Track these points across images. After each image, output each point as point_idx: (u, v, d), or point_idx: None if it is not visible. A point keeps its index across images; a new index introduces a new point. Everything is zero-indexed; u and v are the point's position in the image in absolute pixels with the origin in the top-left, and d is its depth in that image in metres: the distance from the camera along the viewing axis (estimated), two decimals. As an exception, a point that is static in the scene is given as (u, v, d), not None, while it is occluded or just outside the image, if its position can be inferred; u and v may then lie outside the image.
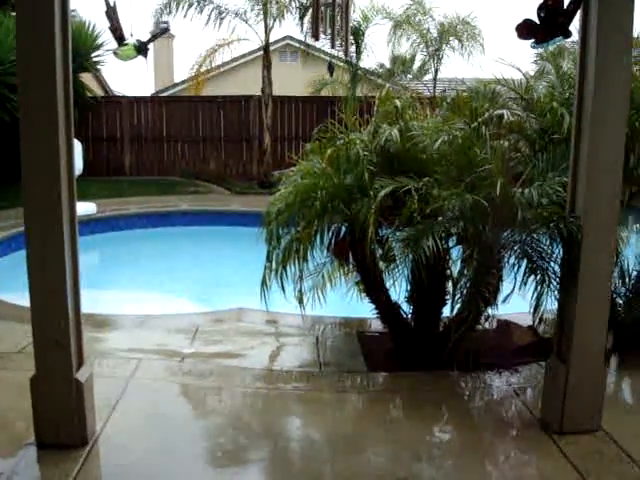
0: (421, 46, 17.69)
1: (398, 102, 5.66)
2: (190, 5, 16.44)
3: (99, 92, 21.50)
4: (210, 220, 13.29)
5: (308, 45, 17.55)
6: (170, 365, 5.34)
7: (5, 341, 5.68)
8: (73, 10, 16.65)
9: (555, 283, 4.26)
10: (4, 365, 5.15)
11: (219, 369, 5.31)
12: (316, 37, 5.79)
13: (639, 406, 4.94)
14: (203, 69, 18.02)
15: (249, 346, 5.99)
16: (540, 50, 6.41)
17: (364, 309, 5.77)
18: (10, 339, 5.63)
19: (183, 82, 20.23)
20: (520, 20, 4.09)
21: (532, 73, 6.79)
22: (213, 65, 18.27)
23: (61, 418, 3.80)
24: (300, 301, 5.26)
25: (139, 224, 12.90)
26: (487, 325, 5.20)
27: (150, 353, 5.60)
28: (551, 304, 4.36)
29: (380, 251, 5.09)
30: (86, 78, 18.16)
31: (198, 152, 18.56)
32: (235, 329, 6.48)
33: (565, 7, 3.96)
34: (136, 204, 14.10)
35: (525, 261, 4.34)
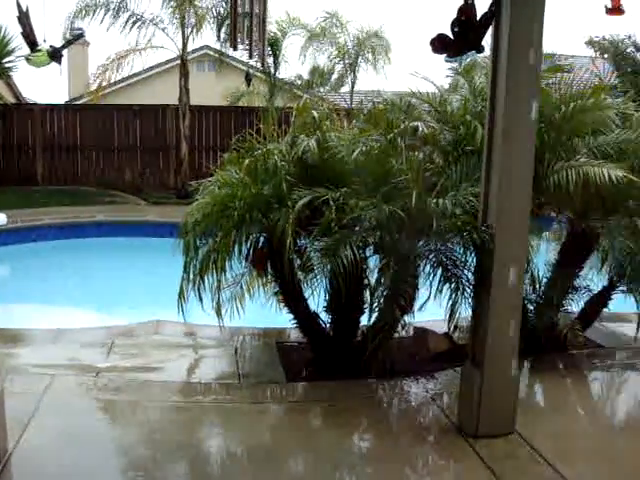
0: (338, 58, 17.89)
1: (316, 113, 5.70)
2: (106, 11, 16.12)
3: (10, 99, 20.81)
4: (126, 231, 13.04)
5: (226, 55, 17.49)
6: (85, 380, 5.20)
7: None
8: (-19, 14, 16.10)
9: (469, 291, 4.37)
10: None
11: (136, 383, 5.20)
12: (234, 47, 5.76)
13: (550, 408, 5.11)
14: (114, 77, 17.58)
15: (166, 359, 5.89)
16: (454, 64, 6.57)
17: (283, 319, 5.77)
18: None
19: (92, 90, 19.74)
20: (434, 35, 4.19)
21: (447, 87, 6.95)
22: (123, 73, 17.88)
23: (-32, 438, 3.66)
24: (218, 312, 5.21)
25: (52, 235, 12.54)
26: (404, 333, 5.28)
27: (64, 368, 5.44)
28: (465, 311, 4.47)
29: (298, 261, 5.11)
30: (-4, 85, 17.57)
31: (113, 161, 18.16)
32: (152, 342, 6.36)
33: (477, 22, 4.08)
34: (49, 215, 13.68)
35: (440, 269, 4.44)
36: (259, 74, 17.57)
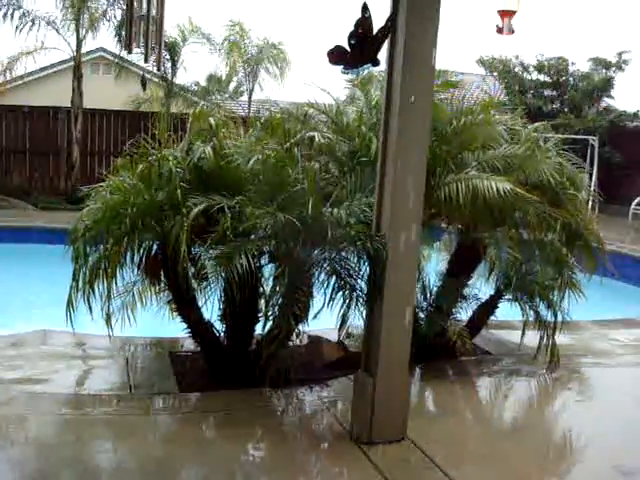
0: (237, 66, 17.86)
1: (212, 120, 5.66)
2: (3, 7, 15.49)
3: None
4: (13, 237, 12.52)
5: (122, 58, 17.13)
6: (-36, 393, 4.95)
7: None
8: None
9: (362, 299, 4.43)
10: None
11: (21, 395, 4.99)
12: (129, 50, 5.65)
13: (440, 414, 5.26)
14: (7, 77, 16.96)
15: (54, 370, 5.68)
16: (352, 76, 6.67)
17: (176, 329, 5.67)
18: None
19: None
20: (332, 46, 4.24)
21: (344, 98, 7.05)
22: (17, 74, 17.23)
23: None
24: (108, 322, 5.06)
25: None
26: (298, 341, 5.30)
27: (-59, 381, 5.16)
28: (358, 319, 4.53)
29: (193, 269, 5.05)
30: None
31: (1, 164, 17.42)
32: (38, 353, 6.12)
33: (374, 36, 4.15)
34: None
35: (334, 278, 4.48)
36: (156, 79, 17.29)
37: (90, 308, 5.02)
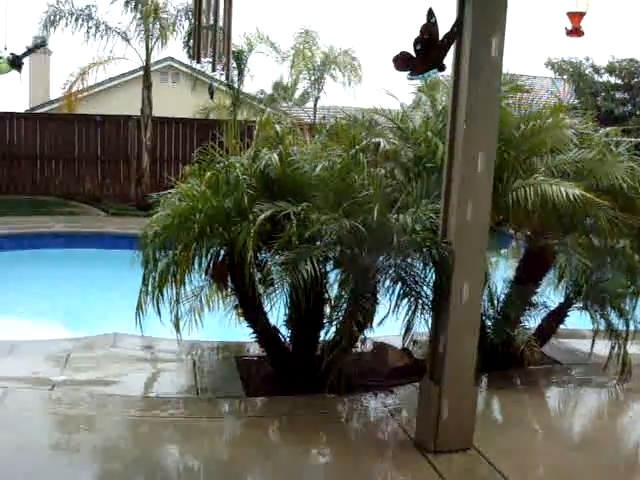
0: (304, 74, 17.97)
1: (278, 127, 5.72)
2: (74, 19, 15.98)
3: (-32, 106, 20.46)
4: (85, 242, 12.87)
5: (191, 68, 17.46)
6: (39, 393, 5.11)
7: None
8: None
9: (428, 306, 4.40)
10: None
11: (92, 397, 5.12)
12: (197, 59, 5.75)
13: (508, 424, 5.16)
14: (77, 87, 17.45)
15: (123, 372, 5.82)
16: (417, 82, 6.64)
17: (243, 333, 5.73)
18: None
19: (58, 100, 19.47)
20: (397, 52, 4.23)
21: (409, 104, 7.02)
22: (89, 83, 17.73)
23: None
24: (176, 326, 5.16)
25: (8, 245, 12.31)
26: (363, 348, 5.29)
27: (18, 381, 5.33)
28: (424, 327, 4.49)
29: (259, 275, 5.09)
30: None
31: (74, 171, 17.95)
32: (109, 355, 6.27)
33: (440, 41, 4.13)
34: (7, 224, 13.44)
35: (399, 285, 4.46)
36: (223, 87, 17.55)
37: (159, 312, 5.13)
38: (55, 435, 4.61)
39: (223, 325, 5.80)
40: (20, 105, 23.67)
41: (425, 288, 4.48)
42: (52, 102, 22.81)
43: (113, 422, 4.71)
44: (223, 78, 15.10)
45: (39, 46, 15.33)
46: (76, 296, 10.02)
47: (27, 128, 17.87)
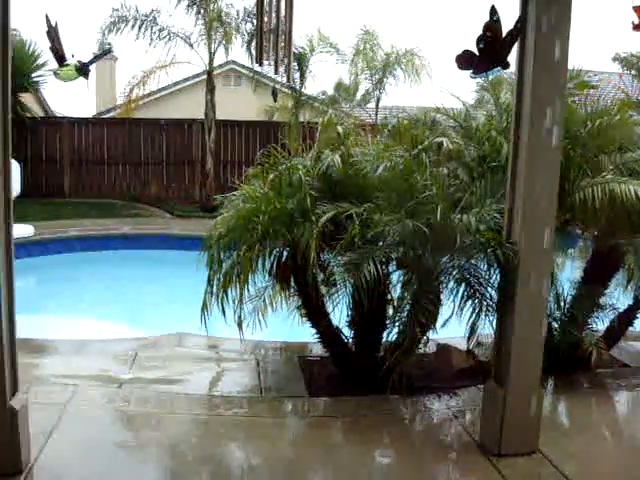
0: (365, 74, 17.94)
1: (340, 129, 5.73)
2: (138, 25, 16.34)
3: (39, 112, 21.10)
4: (151, 244, 13.13)
5: (253, 70, 17.63)
6: (108, 392, 5.23)
7: None
8: (14, 29, 16.37)
9: (492, 308, 4.34)
10: None
11: (158, 395, 5.23)
12: (260, 63, 5.81)
13: (574, 428, 5.05)
14: (141, 91, 17.78)
15: (189, 371, 5.92)
16: (480, 80, 6.57)
17: (305, 333, 5.76)
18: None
19: (121, 105, 19.89)
20: (460, 51, 4.20)
21: (472, 102, 6.95)
22: (151, 88, 18.06)
23: (-6, 446, 3.69)
24: (240, 326, 5.22)
25: (78, 247, 12.66)
26: (426, 349, 5.26)
27: (87, 379, 5.47)
28: (488, 328, 4.44)
29: (322, 275, 5.11)
30: (26, 98, 17.81)
31: (139, 175, 18.35)
32: (174, 354, 6.39)
33: (503, 39, 4.08)
34: (75, 227, 13.83)
35: (463, 286, 4.41)
36: (285, 89, 17.67)
37: (224, 312, 5.20)
38: (123, 432, 4.72)
39: (286, 325, 5.84)
40: (87, 111, 24.33)
41: (490, 289, 4.42)
42: (117, 108, 23.41)
43: (178, 420, 4.79)
44: (285, 80, 15.21)
45: (105, 53, 15.73)
46: (142, 296, 10.25)
47: (94, 133, 18.34)
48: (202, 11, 16.32)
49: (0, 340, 3.59)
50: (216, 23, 16.38)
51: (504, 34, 4.08)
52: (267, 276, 5.45)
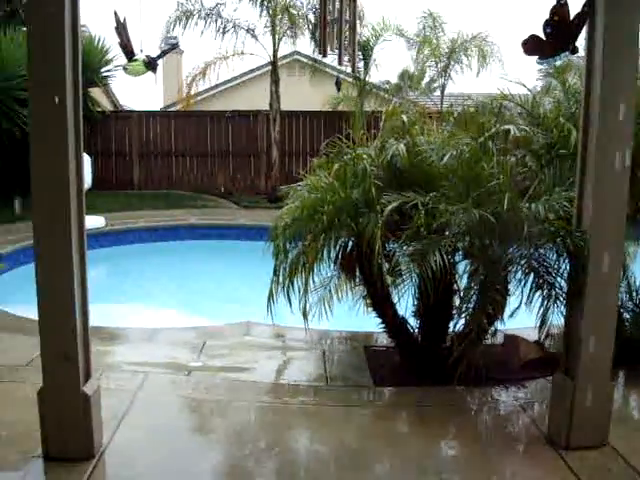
0: (430, 61, 17.76)
1: (405, 117, 5.69)
2: (203, 18, 16.57)
3: (108, 106, 21.62)
4: (218, 234, 13.33)
5: (316, 61, 17.66)
6: (177, 379, 5.35)
7: (14, 354, 5.70)
8: (83, 25, 16.77)
9: (562, 298, 4.26)
10: (12, 378, 5.17)
11: (226, 383, 5.32)
12: (324, 53, 5.82)
13: (647, 422, 4.92)
14: (203, 82, 17.99)
15: (255, 360, 5.99)
16: (547, 66, 6.43)
17: (371, 323, 5.77)
18: (19, 352, 5.65)
19: (187, 97, 20.14)
20: (526, 36, 4.12)
21: (539, 88, 6.81)
22: (211, 78, 18.23)
23: (68, 431, 3.81)
24: (305, 315, 5.26)
25: (147, 238, 12.96)
26: (494, 340, 5.20)
27: (157, 366, 5.61)
28: (558, 319, 4.36)
29: (387, 265, 5.10)
30: (95, 93, 18.27)
31: (206, 166, 18.63)
32: (242, 343, 6.49)
33: (571, 23, 3.98)
34: (144, 218, 14.17)
35: (532, 276, 4.34)
36: (349, 79, 17.63)
37: (290, 301, 5.24)
38: (191, 418, 4.83)
39: (352, 315, 5.86)
40: (155, 103, 24.76)
41: (559, 279, 4.34)
42: (182, 100, 23.75)
43: (246, 407, 4.87)
44: (350, 70, 15.19)
45: (172, 48, 15.97)
46: (210, 285, 10.42)
47: (162, 126, 18.69)
48: (267, 3, 16.41)
49: (74, 328, 3.71)
50: (280, 15, 16.45)
51: (572, 17, 3.98)
52: (332, 266, 5.46)
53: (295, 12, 16.68)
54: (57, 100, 3.51)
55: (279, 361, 6.22)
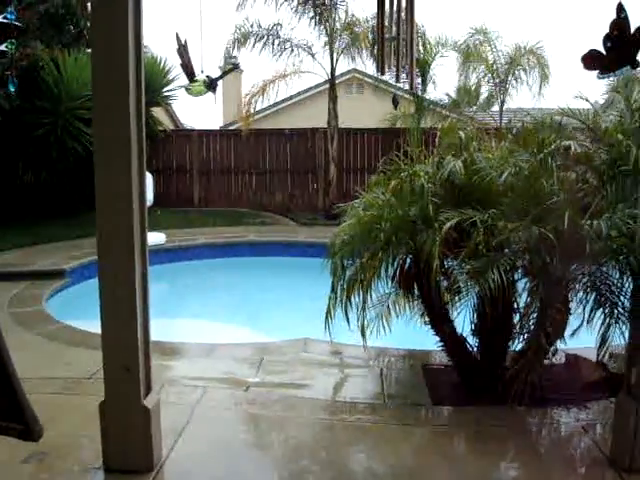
0: (487, 77, 17.62)
1: (462, 134, 5.67)
2: (260, 39, 16.85)
3: (169, 125, 22.06)
4: (277, 251, 13.43)
5: (376, 78, 17.73)
6: (235, 394, 5.40)
7: (76, 367, 5.85)
8: (145, 47, 17.20)
9: (624, 317, 4.17)
10: (75, 390, 5.31)
11: (283, 399, 5.34)
12: (382, 72, 5.85)
13: None
14: (262, 101, 18.17)
15: (313, 376, 6.01)
16: (609, 80, 6.32)
17: (429, 341, 5.73)
18: (81, 365, 5.80)
19: (247, 115, 20.40)
20: (586, 50, 4.07)
21: (601, 103, 6.70)
22: (270, 96, 18.41)
23: (128, 444, 3.90)
24: (363, 332, 5.25)
25: (207, 254, 13.12)
26: (555, 359, 5.10)
27: (216, 381, 5.67)
28: (620, 338, 4.26)
29: (445, 283, 5.07)
30: (157, 112, 18.68)
31: (265, 184, 18.81)
32: (299, 359, 6.51)
33: (631, 37, 3.92)
34: (204, 234, 14.37)
35: (593, 294, 4.26)
36: (407, 95, 17.62)
37: (347, 319, 5.25)
38: (249, 434, 4.87)
39: (410, 333, 5.82)
40: (214, 122, 25.15)
41: (622, 298, 4.25)
42: (242, 119, 24.08)
43: (303, 424, 4.88)
44: (408, 87, 15.19)
45: (232, 69, 16.27)
46: (269, 302, 10.49)
47: (221, 144, 18.97)
48: (324, 22, 16.59)
49: (135, 342, 3.79)
50: (340, 33, 16.61)
51: (632, 31, 3.92)
52: (390, 283, 5.45)
53: (357, 29, 16.79)
54: (121, 119, 3.62)
55: (336, 378, 6.22)
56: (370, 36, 16.41)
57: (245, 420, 5.03)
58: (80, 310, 8.53)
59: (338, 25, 16.78)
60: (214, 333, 8.77)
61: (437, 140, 6.09)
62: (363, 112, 19.53)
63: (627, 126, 5.37)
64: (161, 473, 3.95)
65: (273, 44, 17.02)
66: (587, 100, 5.90)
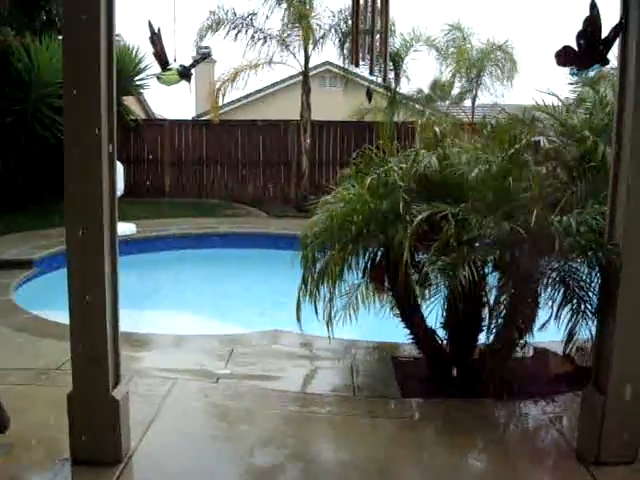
0: (461, 72, 17.70)
1: (437, 129, 5.68)
2: (234, 27, 16.73)
3: (141, 115, 21.83)
4: (248, 242, 13.38)
5: (348, 71, 17.70)
6: (205, 386, 5.38)
7: (45, 358, 5.79)
8: (117, 35, 16.99)
9: (592, 312, 4.21)
10: (43, 381, 5.25)
11: (253, 391, 5.33)
12: (356, 64, 5.83)
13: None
14: (231, 89, 18.05)
15: (283, 368, 6.00)
16: (580, 77, 6.38)
17: (399, 334, 5.75)
18: (50, 356, 5.74)
19: (221, 106, 20.20)
20: (559, 47, 4.09)
21: (571, 100, 6.75)
22: (240, 88, 18.28)
23: (96, 435, 3.86)
24: (329, 322, 5.25)
25: (178, 245, 13.03)
26: (523, 353, 5.15)
27: (185, 373, 5.64)
28: (587, 333, 4.31)
29: (416, 276, 5.09)
30: (129, 101, 18.46)
31: (237, 175, 18.72)
32: (270, 351, 6.50)
33: (604, 35, 3.95)
34: (175, 225, 14.27)
35: (562, 289, 4.30)
36: (380, 89, 17.63)
37: (316, 310, 5.25)
38: (219, 425, 4.85)
39: (379, 325, 5.84)
40: (188, 113, 24.97)
41: (590, 293, 4.30)
42: (213, 110, 23.92)
43: (272, 416, 4.87)
44: (381, 80, 15.20)
45: (205, 57, 16.10)
46: (238, 294, 10.45)
47: (194, 135, 18.83)
48: (291, 9, 16.51)
49: (104, 334, 3.76)
50: (297, 23, 16.57)
51: (605, 29, 3.95)
52: (360, 275, 5.45)
53: (325, 22, 16.79)
54: (92, 108, 3.57)
55: (306, 370, 6.22)
56: (344, 27, 16.39)
57: (215, 412, 5.02)
58: (49, 300, 8.42)
59: (312, 16, 16.71)
60: (184, 325, 8.72)
61: (416, 136, 6.10)
62: (336, 105, 19.49)
63: (598, 122, 5.43)
64: (129, 465, 3.92)
65: (246, 34, 16.90)
66: (557, 97, 5.96)
